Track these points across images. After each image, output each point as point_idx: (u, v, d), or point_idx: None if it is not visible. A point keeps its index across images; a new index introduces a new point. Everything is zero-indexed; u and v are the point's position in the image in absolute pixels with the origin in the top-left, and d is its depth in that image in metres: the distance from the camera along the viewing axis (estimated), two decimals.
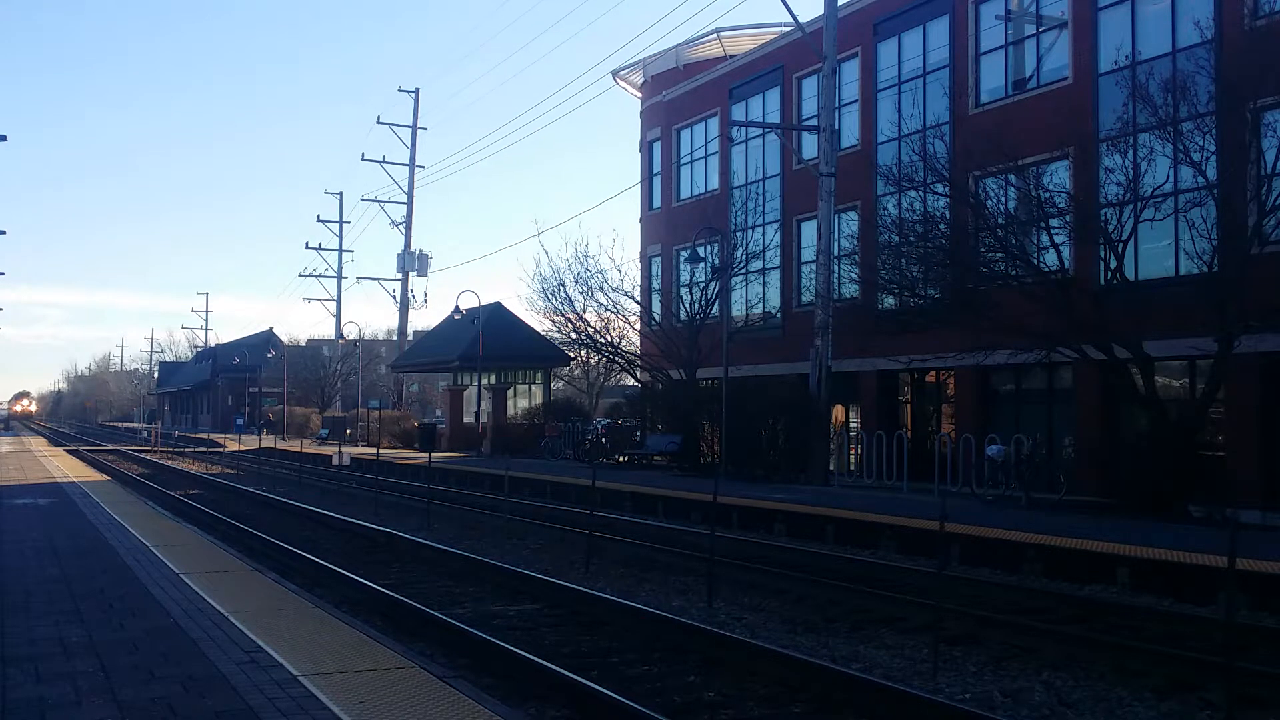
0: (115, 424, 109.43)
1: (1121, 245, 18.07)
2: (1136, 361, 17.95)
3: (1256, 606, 10.63)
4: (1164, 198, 18.06)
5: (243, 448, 43.05)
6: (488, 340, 36.56)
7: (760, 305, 30.93)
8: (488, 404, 39.71)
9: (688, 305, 30.73)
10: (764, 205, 30.14)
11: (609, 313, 33.41)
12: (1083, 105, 21.30)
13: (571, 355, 42.32)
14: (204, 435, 65.16)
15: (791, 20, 25.94)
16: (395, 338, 66.56)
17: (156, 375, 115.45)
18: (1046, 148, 20.88)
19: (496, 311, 40.69)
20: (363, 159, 69.15)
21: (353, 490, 26.54)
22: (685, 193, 35.01)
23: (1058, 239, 19.05)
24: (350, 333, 61.89)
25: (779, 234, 30.03)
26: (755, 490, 20.83)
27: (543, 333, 39.96)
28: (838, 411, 27.55)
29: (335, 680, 6.39)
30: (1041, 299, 18.43)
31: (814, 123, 26.37)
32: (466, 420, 42.48)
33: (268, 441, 50.20)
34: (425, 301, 72.94)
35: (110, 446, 55.05)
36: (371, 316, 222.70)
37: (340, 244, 61.24)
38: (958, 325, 20.07)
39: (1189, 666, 8.37)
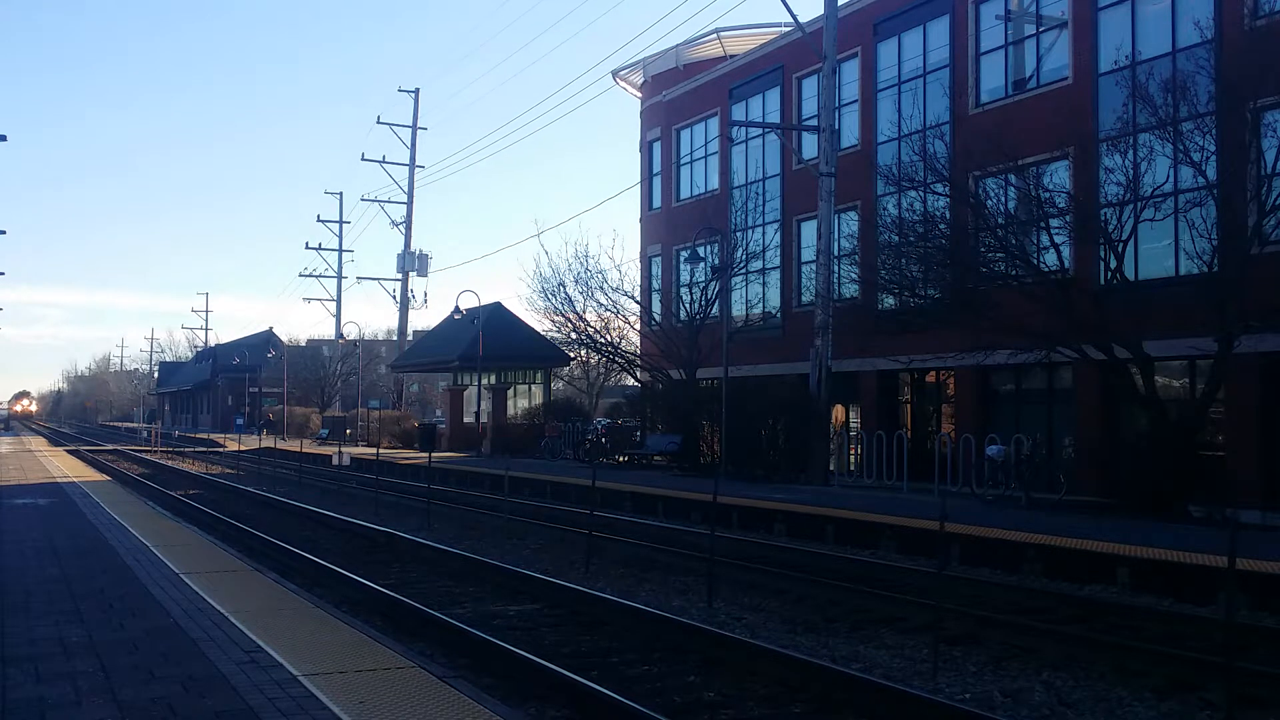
0: (115, 424, 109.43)
1: (1121, 245, 18.07)
2: (1136, 361, 17.95)
3: (1256, 606, 10.63)
4: (1164, 198, 18.06)
5: (243, 448, 43.05)
6: (488, 340, 36.56)
7: (760, 305, 30.93)
8: (488, 404, 39.71)
9: (688, 305, 30.73)
10: (764, 205, 30.14)
11: (609, 313, 33.46)
12: (1083, 105, 21.30)
13: (571, 355, 42.32)
14: (204, 435, 65.16)
15: (791, 20, 25.95)
16: (395, 338, 66.59)
17: (156, 375, 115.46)
18: (1046, 148, 20.88)
19: (496, 311, 40.70)
20: (363, 159, 69.22)
21: (353, 490, 26.54)
22: (685, 193, 35.01)
23: (1058, 239, 19.05)
24: (350, 333, 61.95)
25: (779, 234, 30.03)
26: (755, 490, 20.83)
27: (543, 333, 39.98)
28: (838, 411, 27.55)
29: (335, 680, 6.39)
30: (1041, 299, 18.43)
31: (814, 123, 26.37)
32: (466, 420, 42.48)
33: (268, 441, 50.20)
34: (425, 301, 73.03)
35: (110, 446, 55.05)
36: (371, 316, 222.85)
37: (340, 244, 61.31)
38: (958, 325, 20.07)
39: (1189, 666, 8.36)
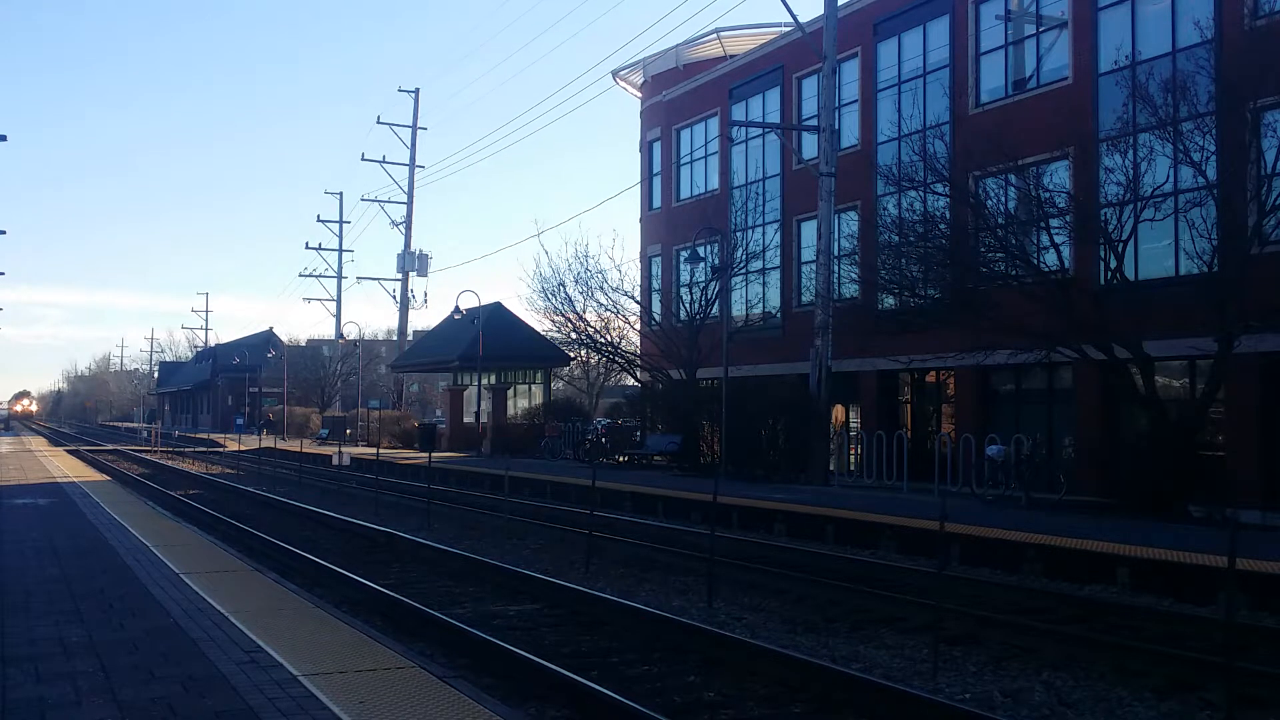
0: (115, 424, 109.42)
1: (1121, 245, 18.07)
2: (1136, 361, 17.95)
3: (1256, 606, 10.63)
4: (1164, 198, 18.06)
5: (243, 448, 43.04)
6: (488, 340, 36.56)
7: (760, 305, 30.93)
8: (488, 404, 39.71)
9: (688, 305, 30.73)
10: (764, 205, 30.14)
11: (609, 313, 33.47)
12: (1083, 105, 21.30)
13: (571, 355, 42.32)
14: (204, 435, 65.15)
15: (791, 20, 25.95)
16: (395, 338, 66.59)
17: (156, 375, 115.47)
18: (1046, 148, 20.88)
19: (496, 311, 40.69)
20: (363, 159, 69.22)
21: (353, 490, 26.54)
22: (685, 193, 35.01)
23: (1058, 239, 19.05)
24: (350, 333, 61.95)
25: (779, 234, 30.03)
26: (755, 490, 20.83)
27: (543, 333, 39.98)
28: (838, 411, 27.55)
29: (335, 680, 6.39)
30: (1041, 299, 18.43)
31: (814, 123, 26.37)
32: (466, 420, 42.48)
33: (268, 441, 50.20)
34: (425, 301, 72.97)
35: (110, 446, 55.05)
36: (371, 316, 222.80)
37: (340, 244, 61.31)
38: (958, 325, 20.07)
39: (1189, 666, 8.36)
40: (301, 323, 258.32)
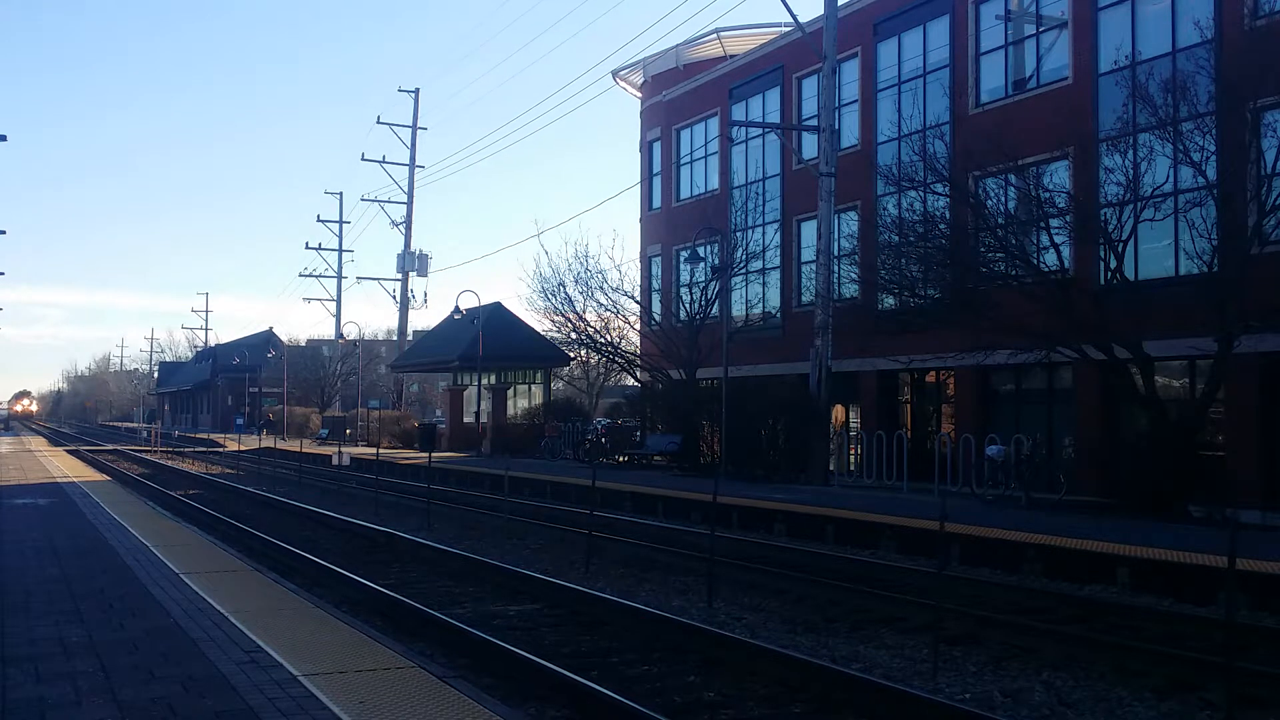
0: (115, 424, 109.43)
1: (1121, 245, 18.07)
2: (1136, 361, 17.95)
3: (1256, 606, 10.63)
4: (1164, 198, 18.06)
5: (243, 448, 43.04)
6: (488, 340, 36.56)
7: (760, 305, 30.94)
8: (488, 404, 39.71)
9: (688, 305, 30.73)
10: (764, 205, 30.14)
11: (609, 313, 33.48)
12: (1083, 105, 21.30)
13: (571, 355, 42.33)
14: (204, 435, 65.16)
15: (791, 20, 25.95)
16: (395, 338, 66.59)
17: (156, 375, 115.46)
18: (1046, 148, 20.88)
19: (496, 311, 40.70)
20: (363, 159, 69.20)
21: (353, 490, 26.54)
22: (685, 193, 35.01)
23: (1058, 239, 19.05)
24: (350, 333, 61.95)
25: (779, 234, 30.03)
26: (755, 490, 20.83)
27: (543, 333, 39.98)
28: (838, 411, 27.56)
29: (335, 680, 6.39)
30: (1041, 299, 18.43)
31: (814, 123, 26.37)
32: (466, 420, 42.48)
33: (268, 441, 50.20)
34: (425, 301, 73.03)
35: (110, 446, 55.05)
36: (371, 316, 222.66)
37: (340, 244, 61.32)
38: (958, 325, 20.07)
39: (1189, 666, 8.36)
40: (301, 323, 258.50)
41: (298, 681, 6.35)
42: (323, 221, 61.35)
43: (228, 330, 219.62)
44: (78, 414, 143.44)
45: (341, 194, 62.00)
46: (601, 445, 32.79)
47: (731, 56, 34.07)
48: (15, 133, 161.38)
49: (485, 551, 15.31)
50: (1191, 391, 19.42)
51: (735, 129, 31.22)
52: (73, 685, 6.30)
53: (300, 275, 64.23)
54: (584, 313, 33.15)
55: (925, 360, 23.52)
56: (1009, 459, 19.98)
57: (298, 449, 37.68)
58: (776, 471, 24.47)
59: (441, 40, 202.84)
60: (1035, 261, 19.11)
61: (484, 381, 39.03)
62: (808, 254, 28.27)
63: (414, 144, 54.13)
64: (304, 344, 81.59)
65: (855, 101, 27.64)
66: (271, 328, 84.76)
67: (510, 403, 42.32)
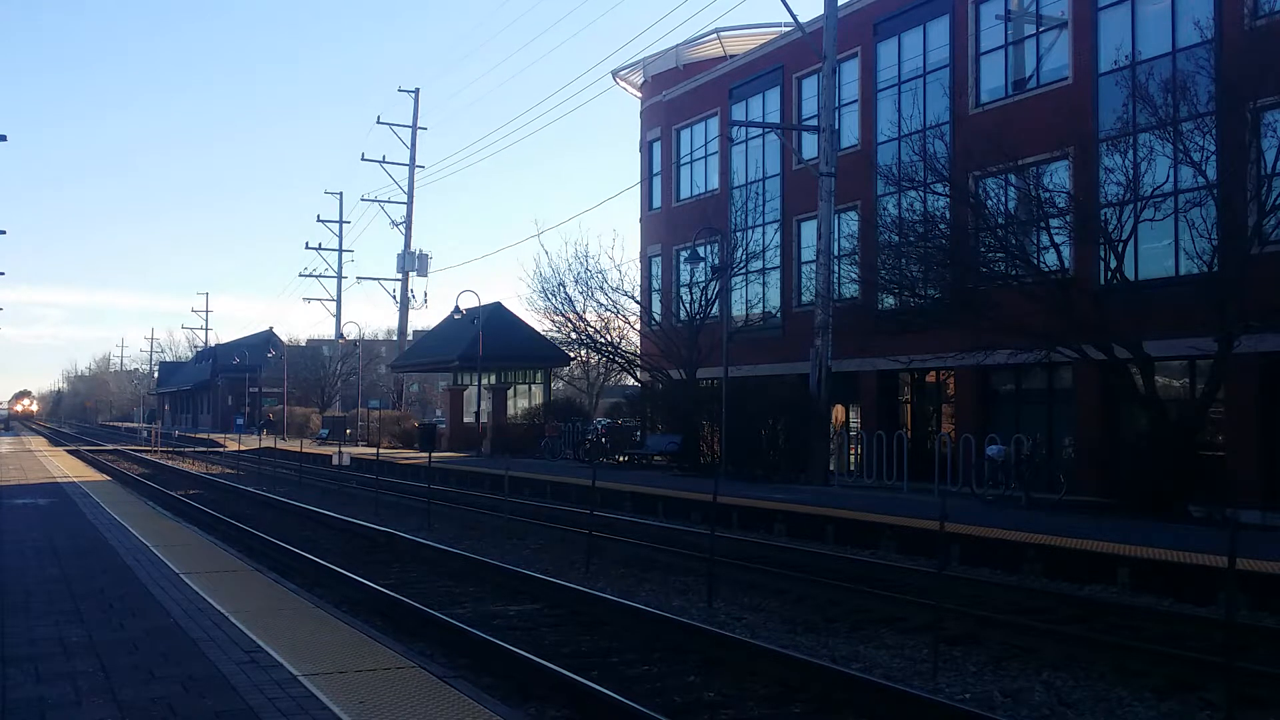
0: (115, 424, 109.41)
1: (1121, 245, 18.07)
2: (1136, 361, 17.95)
3: (1256, 606, 10.63)
4: (1164, 198, 18.06)
5: (243, 448, 43.05)
6: (488, 340, 36.56)
7: (760, 305, 30.94)
8: (488, 404, 39.72)
9: (688, 305, 30.73)
10: (764, 205, 30.14)
11: (609, 313, 33.47)
12: (1083, 105, 21.30)
13: (571, 355, 42.33)
14: (204, 435, 65.15)
15: (791, 20, 25.95)
16: (395, 338, 66.59)
17: (156, 375, 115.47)
18: (1046, 148, 20.88)
19: (496, 311, 40.70)
20: (363, 159, 69.19)
21: (353, 490, 26.54)
22: (685, 193, 35.01)
23: (1058, 239, 19.05)
24: (350, 333, 61.95)
25: (779, 234, 30.03)
26: (755, 490, 20.83)
27: (543, 333, 39.98)
28: (838, 411, 27.56)
29: (335, 680, 6.39)
30: (1041, 299, 18.43)
31: (814, 123, 26.37)
32: (466, 420, 42.48)
33: (268, 441, 50.19)
34: (425, 301, 73.00)
35: (110, 446, 55.05)
36: (371, 316, 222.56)
37: (340, 244, 61.32)
38: (958, 325, 20.08)
39: (1189, 666, 8.36)
40: (301, 323, 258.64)
41: (298, 681, 6.35)
42: (323, 221, 61.43)
43: (228, 330, 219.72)
44: (78, 414, 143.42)
45: (341, 194, 62.08)
46: (601, 445, 32.80)
47: (731, 56, 34.07)
48: (15, 133, 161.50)
49: (485, 551, 15.31)
50: (1191, 391, 19.42)
51: (735, 129, 31.22)
52: (73, 685, 6.30)
53: (300, 275, 64.30)
54: (584, 313, 33.20)
55: (925, 360, 23.52)
56: (1009, 459, 19.98)
57: (298, 449, 37.68)
58: (776, 471, 24.47)
59: (441, 40, 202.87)
60: (1035, 261, 19.11)
61: (484, 381, 39.03)
62: (808, 254, 28.27)
63: (414, 144, 54.18)
64: (304, 344, 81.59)
65: (855, 101, 27.64)
66: (271, 328, 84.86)
67: (510, 403, 42.32)
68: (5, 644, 7.38)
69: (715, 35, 36.04)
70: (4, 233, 57.01)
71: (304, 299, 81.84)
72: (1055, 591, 11.90)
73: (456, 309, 37.69)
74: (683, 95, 34.96)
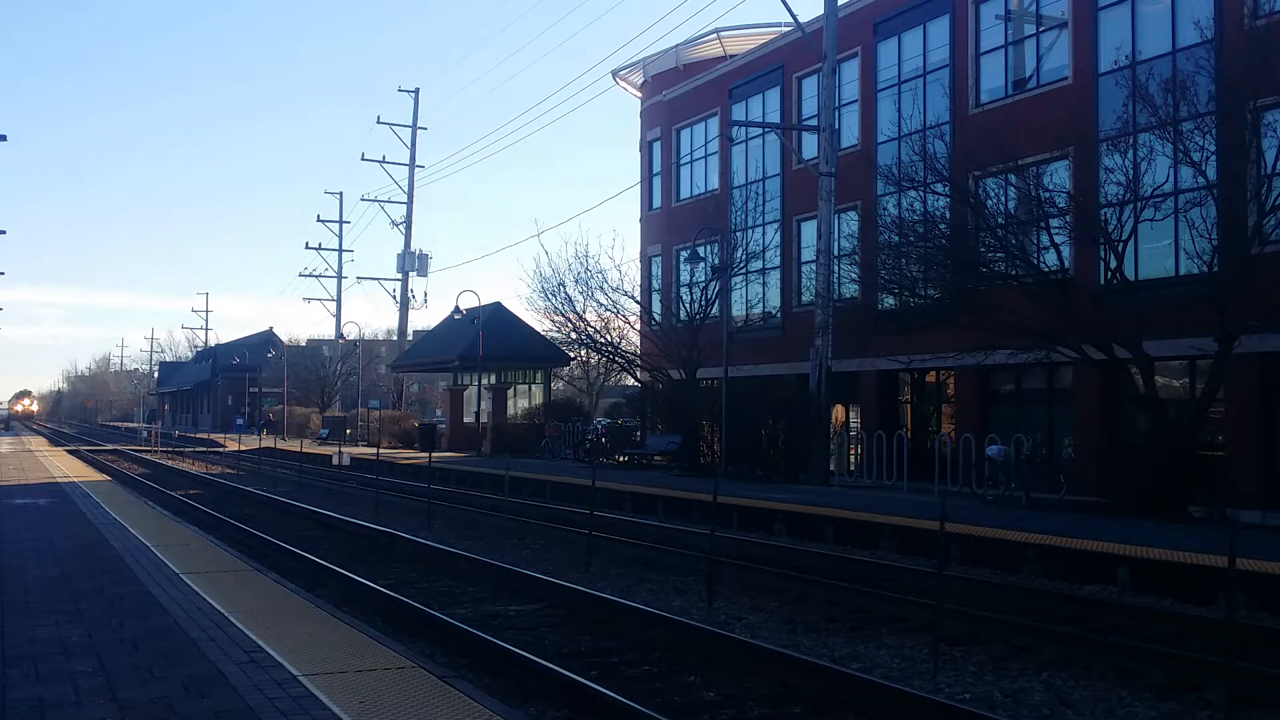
0: (115, 424, 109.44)
1: (1121, 245, 18.07)
2: (1136, 361, 17.95)
3: (1256, 606, 10.63)
4: (1164, 198, 18.07)
5: (243, 448, 43.05)
6: (488, 340, 36.56)
7: (760, 305, 30.94)
8: (488, 404, 39.72)
9: (688, 305, 30.74)
10: (764, 205, 30.14)
11: (609, 313, 33.47)
12: (1083, 105, 21.30)
13: (571, 355, 42.32)
14: (204, 435, 65.15)
15: (791, 20, 25.94)
16: (395, 338, 66.59)
17: (156, 375, 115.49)
18: (1046, 148, 20.88)
19: (496, 311, 40.69)
20: (363, 159, 69.11)
21: (353, 490, 26.53)
22: (685, 193, 35.01)
23: (1058, 239, 19.06)
24: (350, 333, 61.96)
25: (779, 234, 30.03)
26: (755, 490, 20.83)
27: (543, 333, 39.97)
28: (838, 411, 27.55)
29: (335, 680, 6.39)
30: (1041, 299, 18.43)
31: (814, 123, 26.37)
32: (466, 420, 42.49)
33: (268, 441, 50.20)
34: (425, 301, 73.06)
35: (110, 446, 55.04)
36: (371, 316, 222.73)
37: (340, 244, 61.28)
38: (958, 325, 20.08)
39: (1189, 666, 8.36)
40: (301, 323, 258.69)
41: (298, 681, 6.35)
42: (323, 221, 61.39)
43: (228, 330, 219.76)
44: (78, 414, 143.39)
45: (341, 194, 62.02)
46: (601, 445, 32.80)
47: (731, 56, 34.07)
48: (15, 133, 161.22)
49: (485, 551, 15.31)
50: (1191, 391, 19.42)
51: (735, 129, 31.22)
52: (73, 685, 6.30)
53: (300, 275, 64.32)
54: (584, 313, 33.19)
55: (925, 360, 23.52)
56: (1009, 459, 19.98)
57: (298, 449, 37.68)
58: (776, 471, 24.48)
59: (441, 40, 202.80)
60: (1035, 261, 19.12)
61: (484, 381, 39.04)
62: (808, 254, 28.27)
63: (414, 144, 54.16)
64: (304, 344, 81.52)
65: (855, 101, 27.64)
66: (271, 328, 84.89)
67: (510, 403, 42.32)
68: (5, 644, 7.38)
69: (715, 35, 36.02)
70: (4, 233, 57.10)
71: (304, 299, 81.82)
72: (1055, 591, 11.89)
73: (456, 309, 37.70)
74: (683, 95, 34.96)
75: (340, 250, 61.26)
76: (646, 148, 37.30)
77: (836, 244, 25.45)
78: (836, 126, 25.60)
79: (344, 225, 61.08)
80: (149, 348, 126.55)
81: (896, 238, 21.69)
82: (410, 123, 54.16)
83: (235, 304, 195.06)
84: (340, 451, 35.88)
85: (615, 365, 38.42)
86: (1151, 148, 18.11)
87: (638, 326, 35.08)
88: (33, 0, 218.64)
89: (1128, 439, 19.82)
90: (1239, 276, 16.45)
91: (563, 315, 33.52)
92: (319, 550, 15.35)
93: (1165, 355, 19.13)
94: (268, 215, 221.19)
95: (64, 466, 31.36)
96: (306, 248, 61.98)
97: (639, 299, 33.06)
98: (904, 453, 21.75)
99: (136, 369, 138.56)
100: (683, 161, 35.26)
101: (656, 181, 36.50)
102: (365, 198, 56.38)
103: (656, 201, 36.44)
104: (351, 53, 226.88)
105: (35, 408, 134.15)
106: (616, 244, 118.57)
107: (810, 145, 27.77)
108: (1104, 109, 20.57)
